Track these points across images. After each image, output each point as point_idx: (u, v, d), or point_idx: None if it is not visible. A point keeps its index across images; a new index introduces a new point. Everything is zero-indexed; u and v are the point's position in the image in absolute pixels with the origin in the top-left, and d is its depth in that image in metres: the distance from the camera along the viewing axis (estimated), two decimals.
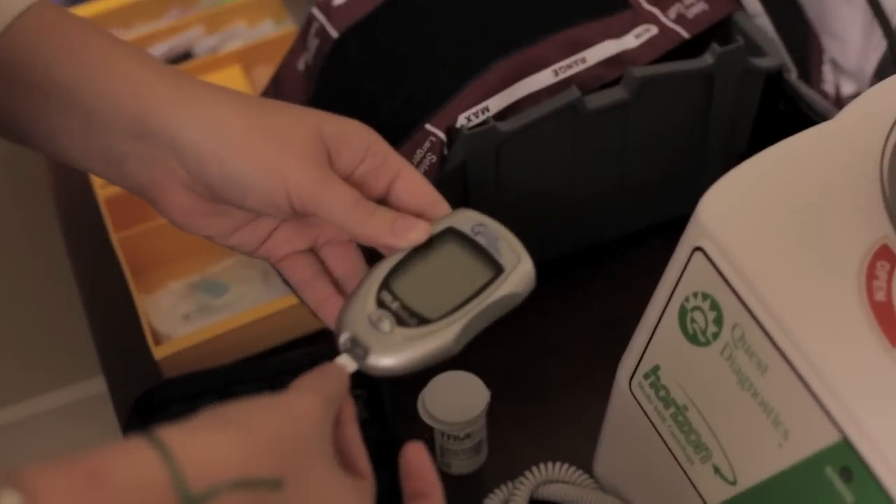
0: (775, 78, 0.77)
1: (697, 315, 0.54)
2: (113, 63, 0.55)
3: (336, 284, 0.59)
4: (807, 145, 0.55)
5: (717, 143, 0.79)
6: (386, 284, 0.53)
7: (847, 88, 0.79)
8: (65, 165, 0.59)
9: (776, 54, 0.76)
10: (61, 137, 0.56)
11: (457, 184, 0.71)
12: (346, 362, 0.50)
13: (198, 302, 0.83)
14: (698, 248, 0.53)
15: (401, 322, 0.51)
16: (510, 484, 0.71)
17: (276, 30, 1.03)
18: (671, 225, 0.65)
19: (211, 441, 0.40)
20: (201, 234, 0.58)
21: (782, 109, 0.79)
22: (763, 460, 0.52)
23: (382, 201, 0.57)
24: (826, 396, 0.47)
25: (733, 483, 0.54)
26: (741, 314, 0.51)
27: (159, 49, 1.00)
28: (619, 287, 0.82)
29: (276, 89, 0.82)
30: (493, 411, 0.70)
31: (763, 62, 0.75)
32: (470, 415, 0.68)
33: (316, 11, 0.79)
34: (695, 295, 0.54)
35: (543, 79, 0.71)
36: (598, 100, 0.71)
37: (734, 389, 0.53)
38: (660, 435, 0.60)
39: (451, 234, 0.55)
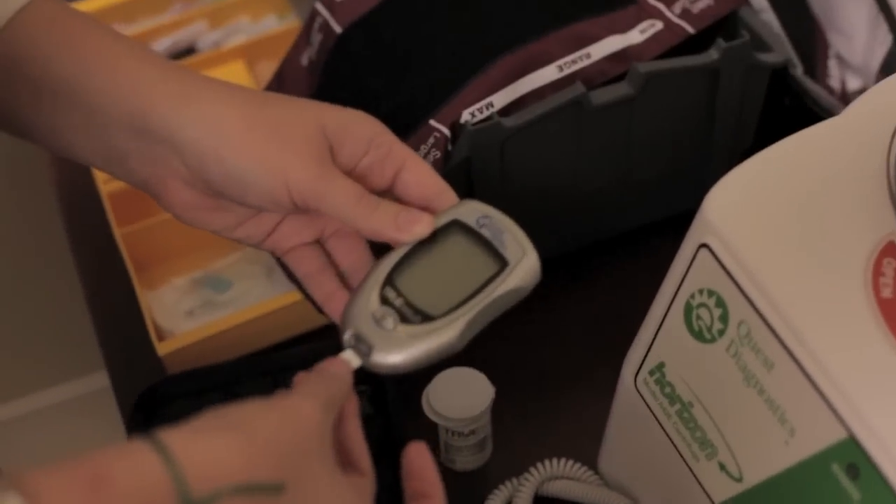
0: (781, 73, 0.77)
1: (703, 312, 0.54)
2: (114, 59, 0.55)
3: (342, 278, 0.59)
4: (813, 141, 0.55)
5: (723, 139, 0.78)
6: (390, 280, 0.52)
7: (853, 84, 0.78)
8: (68, 160, 0.59)
9: (781, 49, 0.76)
10: (63, 133, 0.56)
11: (461, 179, 0.71)
12: (351, 358, 0.50)
13: (201, 298, 0.83)
14: (704, 245, 0.53)
15: (404, 319, 0.51)
16: (515, 480, 0.70)
17: (279, 25, 1.03)
18: (676, 220, 0.64)
19: (213, 444, 0.40)
20: (206, 228, 0.58)
21: (788, 105, 0.78)
22: (769, 457, 0.52)
23: (388, 192, 0.56)
24: (832, 394, 0.47)
25: (739, 480, 0.54)
26: (747, 311, 0.51)
27: (162, 44, 1.00)
28: (624, 283, 0.82)
29: (279, 84, 0.82)
30: (497, 407, 0.70)
31: (768, 57, 0.75)
32: (474, 411, 0.68)
33: (319, 6, 0.79)
34: (700, 292, 0.54)
35: (548, 74, 0.71)
36: (602, 95, 0.71)
37: (740, 386, 0.52)
38: (665, 432, 0.59)
39: (456, 226, 0.54)
